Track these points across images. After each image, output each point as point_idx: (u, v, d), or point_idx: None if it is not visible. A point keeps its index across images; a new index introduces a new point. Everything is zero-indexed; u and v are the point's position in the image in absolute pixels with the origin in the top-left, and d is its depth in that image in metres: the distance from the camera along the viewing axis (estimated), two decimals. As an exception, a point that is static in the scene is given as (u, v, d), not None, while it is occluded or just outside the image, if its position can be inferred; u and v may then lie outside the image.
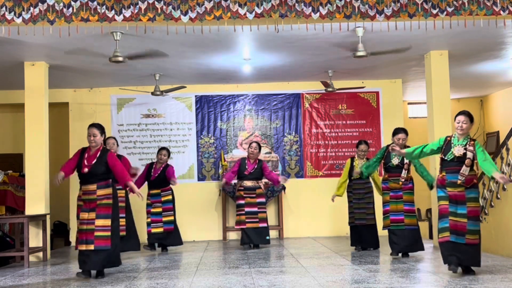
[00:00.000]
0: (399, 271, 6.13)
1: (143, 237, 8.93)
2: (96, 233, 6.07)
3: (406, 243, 7.18)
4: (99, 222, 6.10)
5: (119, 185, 6.77)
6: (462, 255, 5.66)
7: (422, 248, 7.30)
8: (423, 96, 10.68)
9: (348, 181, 8.22)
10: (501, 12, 6.37)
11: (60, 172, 6.27)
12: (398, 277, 5.78)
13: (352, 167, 8.16)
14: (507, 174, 8.93)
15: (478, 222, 5.74)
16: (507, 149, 8.97)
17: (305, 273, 6.14)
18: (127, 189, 7.51)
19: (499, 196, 9.11)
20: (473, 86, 11.64)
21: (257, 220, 8.56)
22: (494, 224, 9.27)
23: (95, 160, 6.19)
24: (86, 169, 6.16)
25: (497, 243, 9.07)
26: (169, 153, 8.88)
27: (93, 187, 6.16)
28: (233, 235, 10.36)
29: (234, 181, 9.12)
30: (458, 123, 5.79)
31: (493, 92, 12.53)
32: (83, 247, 6.09)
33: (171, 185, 8.77)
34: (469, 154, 5.69)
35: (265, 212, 8.72)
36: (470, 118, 5.82)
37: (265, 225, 8.64)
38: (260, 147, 8.86)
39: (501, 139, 10.86)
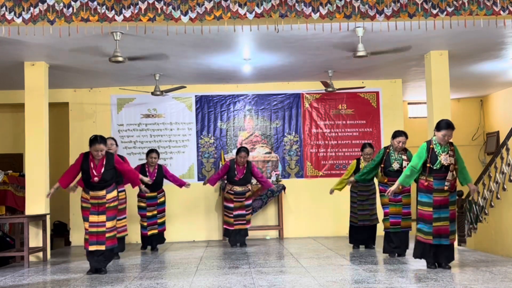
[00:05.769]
0: (399, 271, 6.13)
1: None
2: (107, 235, 6.42)
3: (399, 244, 7.25)
4: (109, 224, 6.46)
5: (121, 186, 7.08)
6: (440, 255, 6.12)
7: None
8: (423, 96, 10.68)
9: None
10: (501, 12, 6.37)
11: (58, 184, 6.55)
12: (398, 277, 5.79)
13: (358, 169, 8.12)
14: (507, 174, 8.95)
15: (455, 223, 6.24)
16: (507, 149, 8.97)
17: (305, 273, 6.14)
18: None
19: (499, 196, 9.12)
20: (473, 86, 11.64)
21: (245, 222, 8.94)
22: (494, 224, 9.27)
23: (103, 168, 6.39)
24: (96, 179, 6.36)
25: (497, 243, 9.08)
26: (158, 154, 8.89)
27: (102, 193, 6.45)
28: (233, 235, 10.36)
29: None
30: (443, 136, 5.96)
31: (493, 92, 12.53)
32: (93, 248, 6.39)
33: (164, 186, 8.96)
34: (452, 160, 6.01)
35: (251, 213, 9.12)
36: (454, 128, 6.02)
37: (249, 225, 9.08)
38: (248, 152, 8.99)
39: (501, 139, 10.86)
